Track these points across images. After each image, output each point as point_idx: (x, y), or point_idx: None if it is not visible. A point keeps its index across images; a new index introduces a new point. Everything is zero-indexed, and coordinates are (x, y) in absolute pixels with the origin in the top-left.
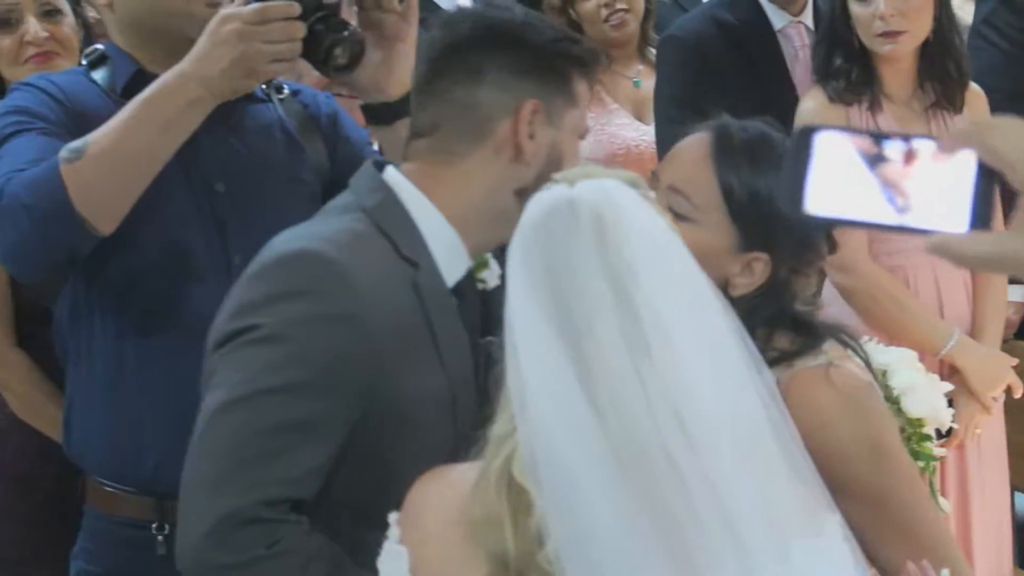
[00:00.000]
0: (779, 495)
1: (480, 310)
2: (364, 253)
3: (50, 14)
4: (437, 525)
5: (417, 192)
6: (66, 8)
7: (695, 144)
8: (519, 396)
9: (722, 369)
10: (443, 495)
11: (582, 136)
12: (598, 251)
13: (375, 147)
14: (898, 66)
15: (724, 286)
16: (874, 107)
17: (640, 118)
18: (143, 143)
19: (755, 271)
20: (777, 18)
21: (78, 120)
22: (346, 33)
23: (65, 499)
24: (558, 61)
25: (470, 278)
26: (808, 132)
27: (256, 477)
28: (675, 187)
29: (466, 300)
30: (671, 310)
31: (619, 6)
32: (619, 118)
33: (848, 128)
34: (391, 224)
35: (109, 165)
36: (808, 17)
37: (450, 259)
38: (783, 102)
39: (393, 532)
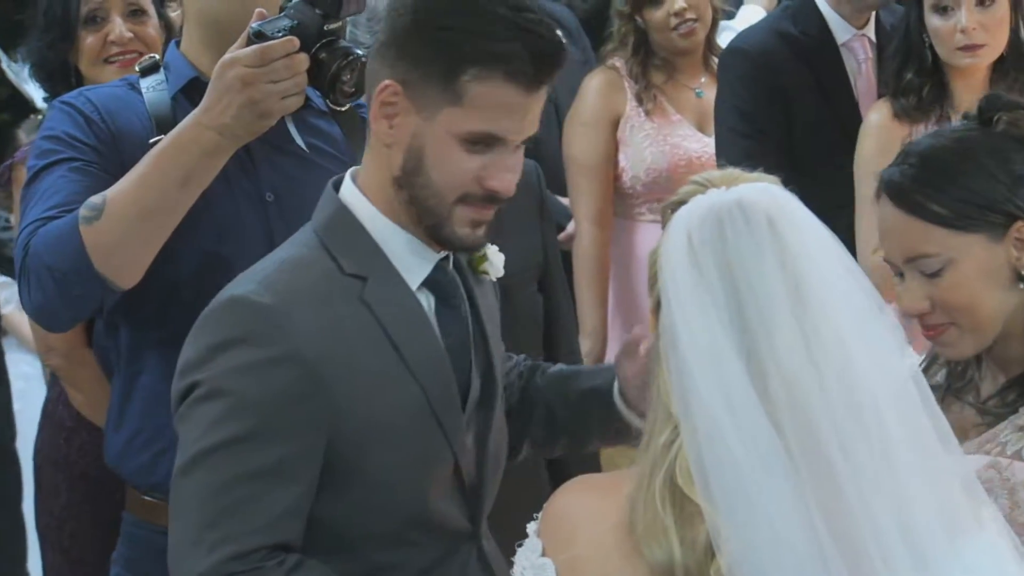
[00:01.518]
0: (948, 489)
1: (497, 301)
2: (302, 283)
3: (136, 14)
4: (592, 536)
5: (362, 198)
6: (151, 8)
7: (888, 216)
8: (683, 401)
9: (883, 357)
10: (595, 505)
11: (470, 143)
12: (773, 251)
13: None
14: (972, 80)
15: (1020, 278)
16: (941, 123)
17: (702, 129)
18: (162, 198)
19: None
20: (842, 31)
21: (113, 140)
22: (351, 58)
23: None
24: (444, 52)
25: (461, 271)
26: None
27: (222, 534)
28: (910, 257)
29: (454, 296)
30: (839, 305)
31: (688, 16)
32: (681, 129)
33: None
34: (337, 241)
35: (128, 224)
36: (871, 30)
37: (411, 259)
38: (846, 115)
39: (533, 544)
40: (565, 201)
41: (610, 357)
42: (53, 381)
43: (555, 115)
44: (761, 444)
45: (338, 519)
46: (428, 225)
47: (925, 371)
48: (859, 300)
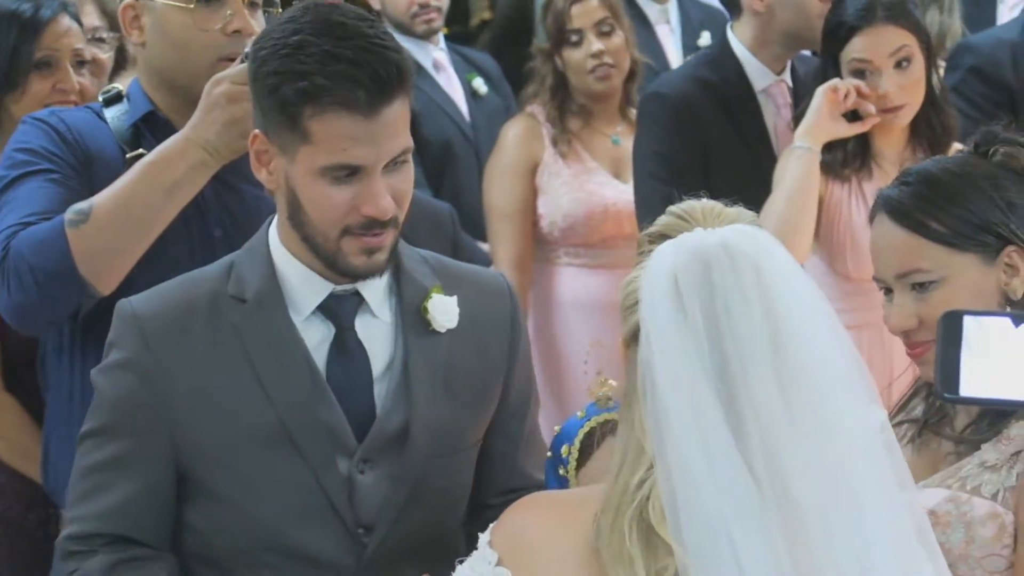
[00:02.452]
0: (907, 538)
1: (431, 344)
2: (180, 298)
3: (81, 64)
4: (553, 555)
5: (275, 231)
6: (95, 54)
7: (885, 232)
8: (658, 440)
9: (856, 408)
10: (557, 525)
11: (331, 176)
12: (759, 301)
13: None
14: (893, 135)
15: (1008, 301)
16: (862, 173)
17: (618, 176)
18: (147, 207)
19: (1016, 263)
20: (760, 77)
21: (85, 161)
22: None
23: (50, 542)
24: (279, 97)
25: (408, 316)
26: (955, 317)
27: (74, 515)
28: (904, 272)
29: (351, 329)
30: (817, 356)
31: (606, 60)
32: (598, 176)
33: (990, 312)
34: (241, 264)
35: (113, 230)
36: (788, 75)
37: (303, 289)
38: (765, 162)
39: (486, 555)
40: (485, 247)
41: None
42: None
43: (476, 162)
44: (736, 488)
45: (202, 529)
46: (323, 259)
47: (904, 405)
48: (836, 352)
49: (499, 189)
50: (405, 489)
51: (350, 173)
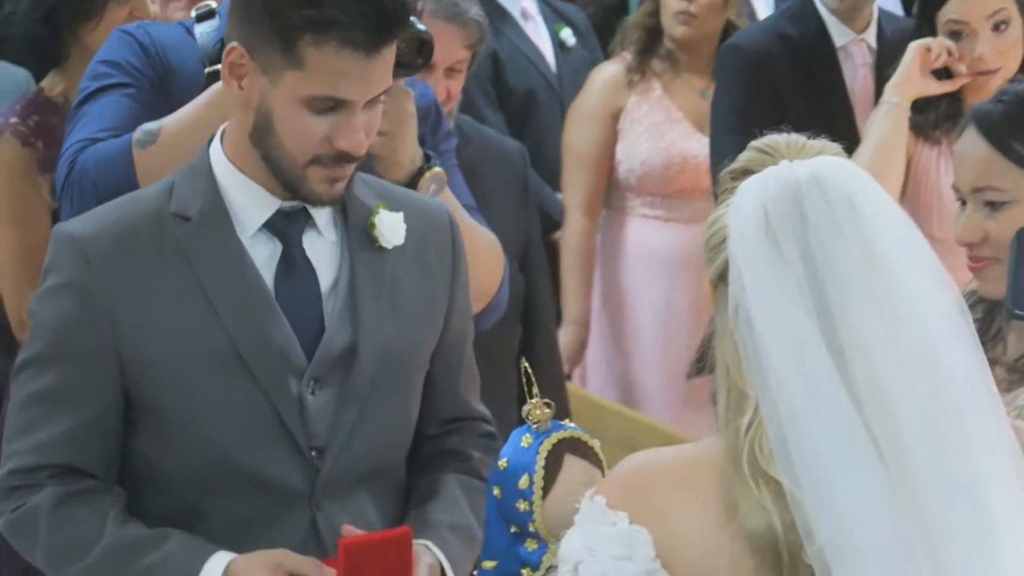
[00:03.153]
0: (1013, 472)
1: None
2: (120, 217)
3: None
4: (688, 510)
5: (219, 149)
6: None
7: (970, 144)
8: (760, 379)
9: (956, 334)
10: (681, 480)
11: (315, 106)
12: (854, 232)
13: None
14: (984, 95)
15: None
16: (952, 135)
17: (702, 131)
18: (212, 132)
19: None
20: (839, 35)
21: (165, 75)
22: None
23: None
24: (280, 20)
25: (353, 234)
26: None
27: (12, 450)
28: (979, 188)
29: (298, 247)
30: (915, 281)
31: (691, 8)
32: (680, 128)
33: None
34: (182, 183)
35: (178, 153)
36: (871, 35)
37: (250, 206)
38: (840, 119)
39: (608, 516)
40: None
41: (592, 349)
42: None
43: (560, 113)
44: (844, 425)
45: (152, 456)
46: (284, 182)
47: None
48: (934, 286)
49: (578, 131)
50: (355, 409)
51: (334, 106)
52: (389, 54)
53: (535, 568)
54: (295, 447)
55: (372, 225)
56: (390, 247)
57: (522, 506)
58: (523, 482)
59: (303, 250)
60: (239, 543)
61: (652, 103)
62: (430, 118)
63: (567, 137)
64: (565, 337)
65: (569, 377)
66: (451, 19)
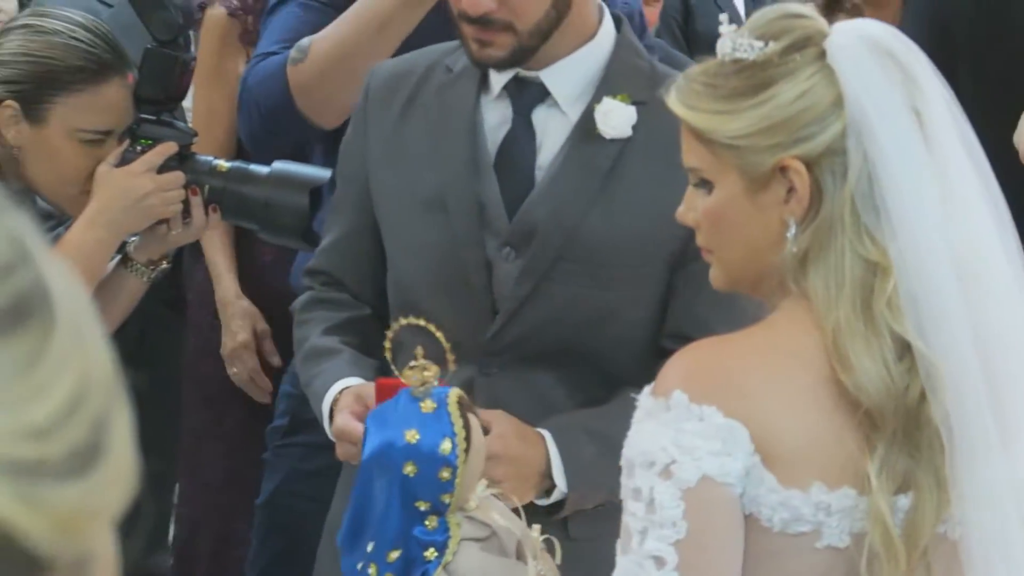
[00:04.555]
0: None
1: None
2: (409, 61)
3: None
4: (783, 394)
5: None
6: None
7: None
8: (893, 244)
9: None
10: (770, 364)
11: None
12: (903, 85)
13: None
14: None
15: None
16: None
17: None
18: (361, 44)
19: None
20: None
21: None
22: None
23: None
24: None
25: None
26: None
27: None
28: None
29: (524, 118)
30: (954, 151)
31: None
32: None
33: None
34: None
35: (328, 65)
36: None
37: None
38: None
39: (693, 411)
40: None
41: None
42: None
43: None
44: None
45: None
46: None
47: None
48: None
49: None
50: (530, 284)
51: None
52: None
53: (439, 548)
54: (476, 306)
55: (593, 110)
56: (608, 137)
57: (445, 474)
58: (445, 447)
59: (530, 120)
60: None
61: None
62: (635, 22)
63: None
64: None
65: None
66: None
